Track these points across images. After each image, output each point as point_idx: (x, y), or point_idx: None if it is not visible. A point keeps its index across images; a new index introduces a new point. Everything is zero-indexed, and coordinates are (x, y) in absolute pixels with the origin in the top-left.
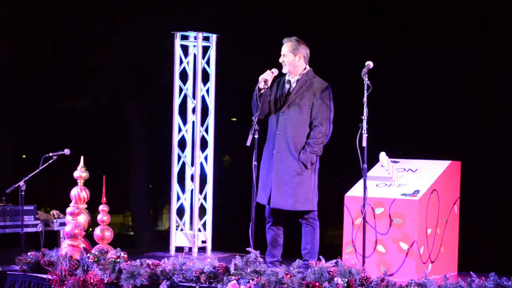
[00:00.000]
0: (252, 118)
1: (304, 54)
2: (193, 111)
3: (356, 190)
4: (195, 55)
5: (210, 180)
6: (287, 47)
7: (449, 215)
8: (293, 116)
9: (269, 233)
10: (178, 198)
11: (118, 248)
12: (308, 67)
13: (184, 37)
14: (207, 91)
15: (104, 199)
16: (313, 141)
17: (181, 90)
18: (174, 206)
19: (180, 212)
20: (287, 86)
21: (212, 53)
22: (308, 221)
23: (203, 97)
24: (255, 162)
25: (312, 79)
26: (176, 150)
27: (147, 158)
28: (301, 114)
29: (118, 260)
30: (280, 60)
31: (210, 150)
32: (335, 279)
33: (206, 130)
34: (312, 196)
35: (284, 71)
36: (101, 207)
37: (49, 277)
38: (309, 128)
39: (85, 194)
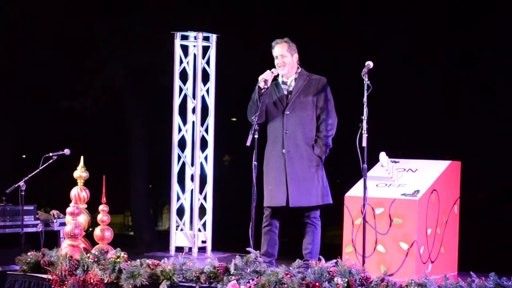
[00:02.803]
0: (252, 118)
1: (297, 54)
2: (193, 111)
3: (356, 190)
4: (195, 55)
5: (210, 180)
6: (284, 48)
7: (449, 215)
8: (299, 114)
9: (268, 235)
10: (178, 198)
11: (118, 248)
12: (299, 67)
13: (184, 37)
14: (207, 91)
15: (104, 199)
16: (324, 134)
17: (181, 90)
18: (174, 206)
19: (180, 212)
20: (284, 86)
21: (212, 53)
22: (312, 220)
23: (203, 97)
24: (255, 162)
25: (310, 76)
26: (176, 150)
27: (147, 158)
28: (306, 110)
29: (118, 260)
30: (278, 61)
31: (210, 150)
32: (335, 279)
33: (206, 130)
34: (328, 190)
35: (282, 72)
36: (101, 207)
37: (49, 277)
38: (316, 123)
39: (85, 194)
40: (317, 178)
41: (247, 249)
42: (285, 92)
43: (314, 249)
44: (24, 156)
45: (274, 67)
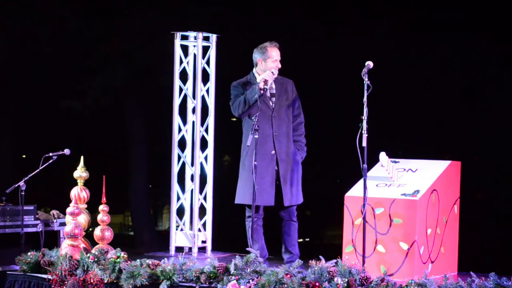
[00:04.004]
0: (252, 118)
1: None
2: (193, 111)
3: (356, 190)
4: (195, 55)
5: (210, 180)
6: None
7: (449, 215)
8: (283, 116)
9: (258, 231)
10: (178, 198)
11: (118, 248)
12: None
13: (184, 37)
14: (207, 91)
15: (104, 199)
16: (303, 135)
17: (181, 90)
18: (174, 206)
19: (180, 212)
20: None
21: (212, 53)
22: (295, 218)
23: (203, 97)
24: (255, 162)
25: (283, 79)
26: (176, 150)
27: (147, 158)
28: (288, 113)
29: (118, 260)
30: (278, 65)
31: (210, 150)
32: (335, 279)
33: (206, 130)
34: None
35: (275, 75)
36: (101, 207)
37: (49, 277)
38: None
39: (85, 194)
40: (299, 178)
41: (247, 249)
42: (268, 94)
43: (297, 244)
44: (24, 156)
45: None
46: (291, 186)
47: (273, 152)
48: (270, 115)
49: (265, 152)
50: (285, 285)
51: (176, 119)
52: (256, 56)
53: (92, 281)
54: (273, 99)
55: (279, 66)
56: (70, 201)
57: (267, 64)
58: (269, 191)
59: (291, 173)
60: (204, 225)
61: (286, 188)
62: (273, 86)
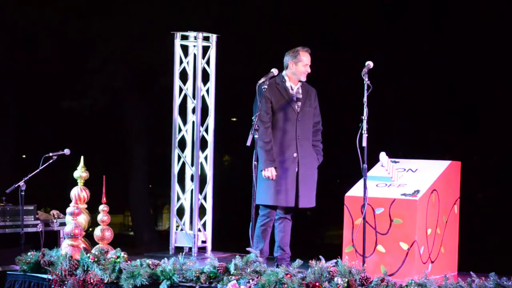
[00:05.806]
0: (252, 118)
1: None
2: (193, 111)
3: (356, 190)
4: (195, 55)
5: (210, 180)
6: None
7: (449, 215)
8: (307, 121)
9: (267, 232)
10: (178, 198)
11: (118, 248)
12: None
13: (184, 37)
14: (207, 91)
15: (104, 199)
16: (320, 142)
17: (181, 90)
18: (174, 206)
19: (180, 212)
20: (291, 92)
21: (212, 53)
22: (290, 215)
23: (203, 97)
24: (255, 162)
25: (308, 86)
26: (176, 150)
27: (147, 158)
28: (311, 118)
29: (118, 260)
30: (307, 70)
31: (210, 150)
32: (335, 279)
33: (206, 130)
34: None
35: (303, 79)
36: (101, 207)
37: (49, 277)
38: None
39: (85, 194)
40: (315, 181)
41: (247, 249)
42: (295, 99)
43: (289, 243)
44: (24, 156)
45: (275, 66)
46: (309, 188)
47: (295, 154)
48: (295, 119)
49: (287, 154)
50: (285, 285)
51: (176, 119)
52: (288, 58)
53: (92, 281)
54: (299, 103)
55: (309, 71)
56: (70, 201)
57: (297, 68)
58: (290, 192)
59: (310, 176)
60: (204, 225)
61: (304, 190)
62: (300, 91)
